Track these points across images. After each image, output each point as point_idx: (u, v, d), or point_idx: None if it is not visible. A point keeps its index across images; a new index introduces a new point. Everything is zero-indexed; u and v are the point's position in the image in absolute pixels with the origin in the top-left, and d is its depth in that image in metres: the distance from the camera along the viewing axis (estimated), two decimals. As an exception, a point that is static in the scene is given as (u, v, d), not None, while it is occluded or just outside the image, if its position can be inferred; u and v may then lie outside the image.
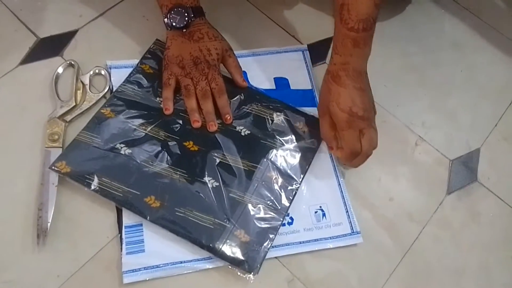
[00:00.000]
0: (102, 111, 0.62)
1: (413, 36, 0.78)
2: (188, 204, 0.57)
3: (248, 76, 0.68)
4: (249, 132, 0.63)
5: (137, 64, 0.66)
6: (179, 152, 0.60)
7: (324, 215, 0.60)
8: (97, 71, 0.66)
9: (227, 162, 0.60)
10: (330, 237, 0.58)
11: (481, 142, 0.70)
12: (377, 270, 0.59)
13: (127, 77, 0.65)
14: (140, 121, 0.62)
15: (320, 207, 0.60)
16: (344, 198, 0.61)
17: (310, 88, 0.69)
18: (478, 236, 0.63)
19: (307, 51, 0.73)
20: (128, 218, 0.57)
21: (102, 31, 0.71)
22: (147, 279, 0.54)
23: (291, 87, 0.69)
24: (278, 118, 0.65)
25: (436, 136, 0.69)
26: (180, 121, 0.63)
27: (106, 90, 0.64)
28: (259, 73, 0.69)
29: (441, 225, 0.63)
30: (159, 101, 0.64)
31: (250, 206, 0.58)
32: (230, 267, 0.55)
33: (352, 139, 0.57)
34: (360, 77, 0.58)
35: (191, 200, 0.57)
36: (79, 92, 0.64)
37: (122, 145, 0.59)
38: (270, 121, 0.64)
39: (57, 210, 0.56)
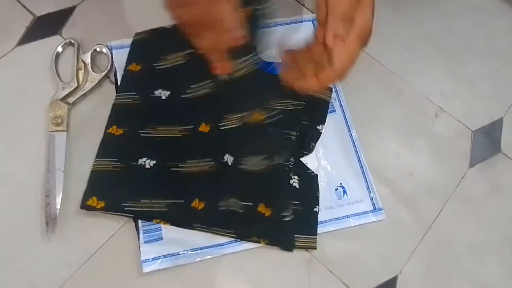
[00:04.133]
0: (109, 131, 0.57)
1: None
2: (227, 193, 0.54)
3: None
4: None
5: (125, 68, 0.61)
6: (198, 141, 0.56)
7: (345, 192, 0.57)
8: (98, 49, 0.62)
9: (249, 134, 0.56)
10: (352, 215, 0.56)
11: (504, 111, 0.67)
12: (398, 249, 0.57)
13: (120, 85, 0.60)
14: (151, 126, 0.57)
15: (341, 183, 0.58)
16: (364, 174, 0.59)
17: (323, 60, 0.66)
18: (502, 210, 0.60)
19: (318, 21, 0.69)
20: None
21: (101, 7, 0.66)
22: (167, 267, 0.52)
23: (303, 60, 0.66)
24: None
25: (457, 106, 0.66)
26: (185, 107, 0.58)
27: (108, 69, 0.61)
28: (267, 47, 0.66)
29: (464, 200, 0.60)
30: (158, 94, 0.59)
31: (289, 179, 0.56)
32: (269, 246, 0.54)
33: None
34: None
35: (228, 188, 0.54)
36: (81, 72, 0.61)
37: (144, 159, 0.55)
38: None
39: (65, 197, 0.54)
